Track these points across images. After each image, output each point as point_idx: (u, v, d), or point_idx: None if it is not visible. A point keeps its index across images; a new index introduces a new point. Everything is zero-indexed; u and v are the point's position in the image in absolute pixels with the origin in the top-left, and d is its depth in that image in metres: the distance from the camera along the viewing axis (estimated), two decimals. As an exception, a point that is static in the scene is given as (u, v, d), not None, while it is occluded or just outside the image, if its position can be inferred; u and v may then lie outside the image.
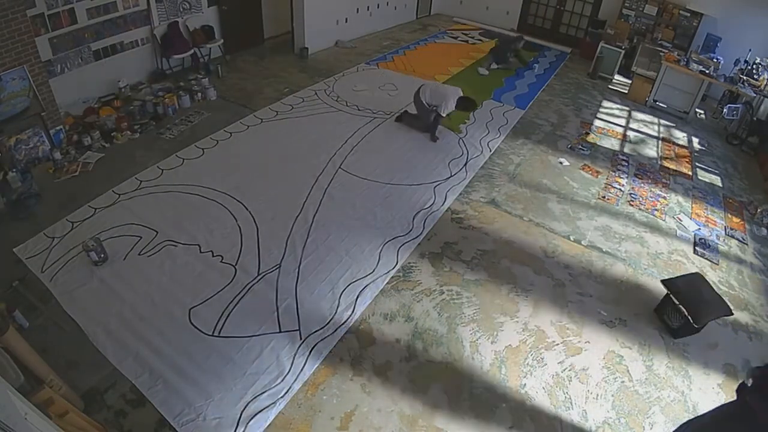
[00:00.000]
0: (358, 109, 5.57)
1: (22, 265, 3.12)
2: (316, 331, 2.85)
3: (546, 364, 2.85)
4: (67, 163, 4.14)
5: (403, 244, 3.61)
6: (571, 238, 3.95)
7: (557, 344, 2.99)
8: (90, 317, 2.78)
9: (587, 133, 5.75)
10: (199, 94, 5.44)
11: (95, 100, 5.02)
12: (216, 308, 2.91)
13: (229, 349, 2.68)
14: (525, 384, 2.73)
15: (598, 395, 2.72)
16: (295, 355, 2.70)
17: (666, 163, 5.40)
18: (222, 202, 3.80)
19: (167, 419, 2.32)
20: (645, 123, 6.40)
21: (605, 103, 6.80)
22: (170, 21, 5.64)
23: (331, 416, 2.44)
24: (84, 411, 2.23)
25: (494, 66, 7.28)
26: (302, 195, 3.99)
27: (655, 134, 6.13)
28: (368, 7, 8.24)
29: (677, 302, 3.10)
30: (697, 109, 6.70)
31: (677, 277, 3.34)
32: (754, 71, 6.30)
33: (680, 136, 6.20)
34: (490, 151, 5.07)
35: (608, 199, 4.53)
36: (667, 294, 3.20)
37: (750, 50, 6.47)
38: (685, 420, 2.45)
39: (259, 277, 3.16)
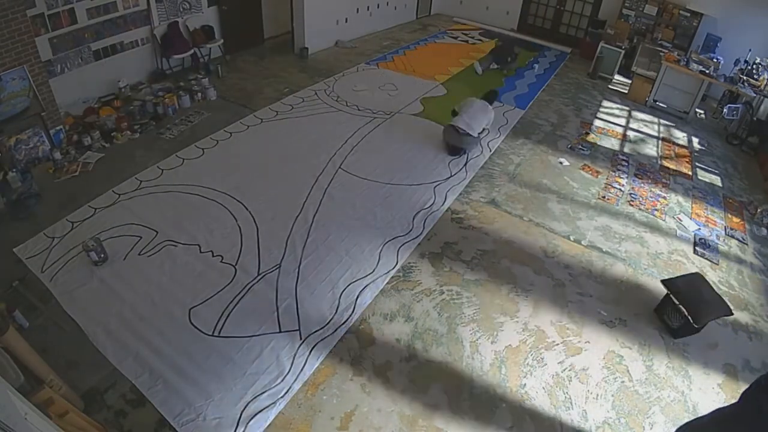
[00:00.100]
0: (358, 109, 5.57)
1: (22, 265, 3.11)
2: (316, 331, 2.85)
3: (546, 364, 2.85)
4: (67, 163, 4.14)
5: (403, 244, 3.61)
6: (571, 238, 3.95)
7: (557, 344, 2.99)
8: (90, 317, 2.78)
9: (587, 133, 5.75)
10: (199, 94, 5.43)
11: (95, 100, 5.02)
12: (216, 308, 2.91)
13: (229, 349, 2.68)
14: (525, 384, 2.73)
15: (598, 395, 2.72)
16: (295, 355, 2.70)
17: (666, 163, 5.40)
18: (222, 202, 3.80)
19: (167, 419, 2.32)
20: (645, 123, 6.40)
21: (605, 103, 6.80)
22: (170, 21, 5.65)
23: (331, 416, 2.44)
24: (84, 411, 2.22)
25: (494, 66, 7.29)
26: (302, 195, 3.99)
27: (655, 134, 6.13)
28: (368, 7, 8.24)
29: (677, 302, 3.10)
30: (697, 109, 6.70)
31: (677, 277, 3.34)
32: (754, 71, 6.30)
33: (680, 136, 6.20)
34: (490, 151, 5.07)
35: (608, 199, 4.53)
36: (667, 294, 3.20)
37: (750, 50, 6.47)
38: (684, 421, 2.45)
39: (259, 277, 3.16)
